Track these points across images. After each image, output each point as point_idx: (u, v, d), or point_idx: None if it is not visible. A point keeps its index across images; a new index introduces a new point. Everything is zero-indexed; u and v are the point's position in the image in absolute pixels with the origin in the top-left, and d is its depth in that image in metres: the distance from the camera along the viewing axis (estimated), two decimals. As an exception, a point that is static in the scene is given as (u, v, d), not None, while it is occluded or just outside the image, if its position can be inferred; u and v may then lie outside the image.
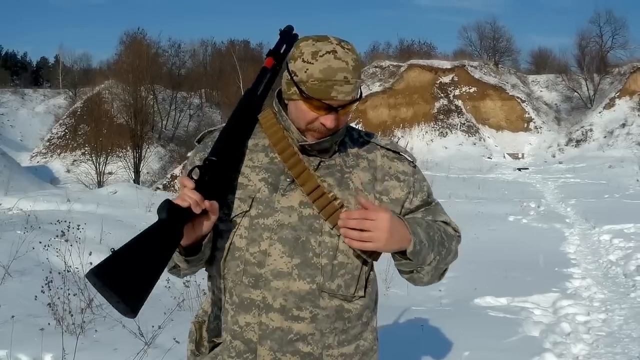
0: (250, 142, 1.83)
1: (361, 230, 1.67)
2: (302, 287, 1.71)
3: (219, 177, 1.71)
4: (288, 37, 1.85)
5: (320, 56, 1.65)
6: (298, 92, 1.68)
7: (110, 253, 1.48)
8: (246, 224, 1.75)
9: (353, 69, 1.66)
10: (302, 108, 1.70)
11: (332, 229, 1.74)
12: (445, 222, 1.90)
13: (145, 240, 1.53)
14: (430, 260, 1.77)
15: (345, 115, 1.74)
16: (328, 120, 1.69)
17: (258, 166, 1.79)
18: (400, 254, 1.75)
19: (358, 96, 1.71)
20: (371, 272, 1.85)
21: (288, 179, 1.76)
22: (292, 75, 1.69)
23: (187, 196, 1.60)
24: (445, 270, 1.90)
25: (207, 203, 1.63)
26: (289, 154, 1.77)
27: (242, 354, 1.76)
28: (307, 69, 1.65)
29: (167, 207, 1.57)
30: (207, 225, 1.67)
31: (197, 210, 1.61)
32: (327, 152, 1.81)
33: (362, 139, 1.90)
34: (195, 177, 1.67)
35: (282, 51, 1.85)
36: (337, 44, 1.68)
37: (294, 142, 1.78)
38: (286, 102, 1.78)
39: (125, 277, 1.45)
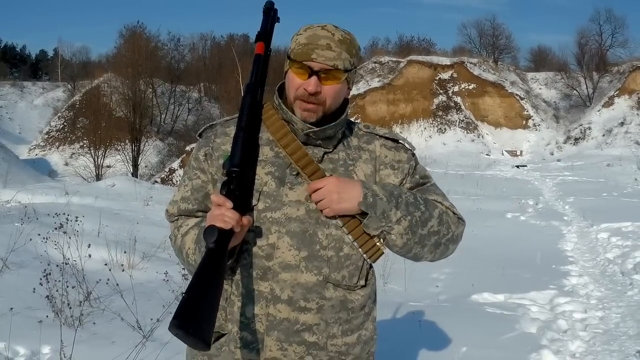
0: (256, 137, 1.84)
1: (319, 201, 1.75)
2: (309, 279, 1.75)
3: (245, 187, 1.74)
4: (271, 14, 1.87)
5: (310, 29, 1.76)
6: (288, 61, 1.77)
7: (182, 296, 1.54)
8: (253, 217, 1.76)
9: (339, 41, 1.74)
10: (290, 77, 1.78)
11: (341, 225, 1.79)
12: (436, 201, 1.89)
13: (204, 276, 1.58)
14: (397, 219, 1.76)
15: (331, 90, 1.76)
16: (310, 85, 1.73)
17: (264, 160, 1.81)
18: (362, 215, 1.77)
19: (344, 69, 1.75)
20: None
21: (294, 173, 1.79)
22: (288, 50, 1.79)
23: (227, 217, 1.64)
24: (439, 246, 1.85)
25: (245, 220, 1.67)
26: (294, 148, 1.79)
27: (249, 344, 1.79)
28: (297, 39, 1.77)
29: (216, 237, 1.61)
30: (241, 236, 1.71)
31: (238, 229, 1.66)
32: (331, 141, 1.83)
33: (362, 132, 1.93)
34: (224, 192, 1.70)
35: (268, 30, 1.86)
36: (331, 25, 1.78)
37: (299, 132, 1.79)
38: (284, 80, 1.83)
39: (199, 318, 1.52)
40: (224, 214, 1.64)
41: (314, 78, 1.73)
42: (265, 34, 1.84)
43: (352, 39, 1.78)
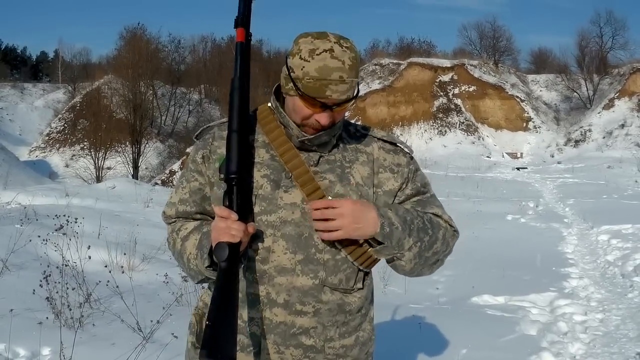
0: (250, 138, 1.82)
1: (327, 220, 1.70)
2: (305, 283, 1.74)
3: (245, 191, 1.73)
4: None
5: (317, 54, 1.65)
6: (294, 88, 1.69)
7: (206, 325, 1.59)
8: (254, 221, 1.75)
9: (349, 68, 1.66)
10: (298, 104, 1.71)
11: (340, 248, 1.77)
12: (436, 215, 1.89)
13: (222, 300, 1.62)
14: (409, 246, 1.76)
15: (341, 113, 1.75)
16: (323, 118, 1.70)
17: (260, 162, 1.79)
18: (374, 240, 1.75)
19: (354, 94, 1.71)
20: None
21: (289, 176, 1.77)
22: (290, 71, 1.70)
23: (234, 230, 1.64)
24: (437, 262, 1.88)
25: (250, 228, 1.67)
26: (287, 153, 1.77)
27: (246, 347, 1.78)
28: (304, 67, 1.66)
29: (228, 255, 1.63)
30: (246, 242, 1.70)
31: (245, 239, 1.66)
32: (327, 146, 1.81)
33: (359, 133, 1.90)
34: (227, 203, 1.69)
35: (246, 13, 1.77)
36: (335, 42, 1.67)
37: (293, 138, 1.77)
38: (284, 95, 1.78)
39: (224, 342, 1.59)
40: (230, 227, 1.64)
41: (328, 113, 1.71)
42: (243, 18, 1.76)
43: (356, 54, 1.70)
